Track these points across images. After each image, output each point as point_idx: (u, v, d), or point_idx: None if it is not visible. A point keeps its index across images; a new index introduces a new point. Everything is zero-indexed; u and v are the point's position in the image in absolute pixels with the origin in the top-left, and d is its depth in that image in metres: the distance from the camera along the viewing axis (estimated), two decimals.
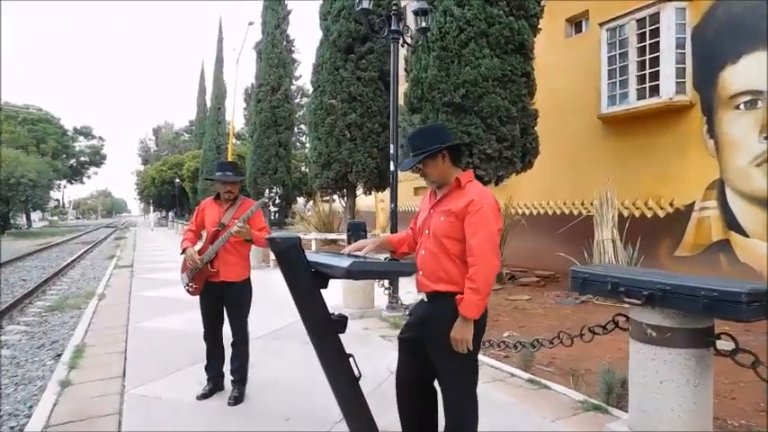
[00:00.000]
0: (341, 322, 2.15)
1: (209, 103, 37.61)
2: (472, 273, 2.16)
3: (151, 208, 51.05)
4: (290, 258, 2.03)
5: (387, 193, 15.68)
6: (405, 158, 2.55)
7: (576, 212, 9.96)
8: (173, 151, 57.91)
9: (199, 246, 3.61)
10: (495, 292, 8.38)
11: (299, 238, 2.06)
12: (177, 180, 39.18)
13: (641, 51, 8.41)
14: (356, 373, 2.15)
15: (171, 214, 47.38)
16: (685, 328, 2.54)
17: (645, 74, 8.34)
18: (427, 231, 2.38)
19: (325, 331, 2.13)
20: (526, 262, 10.27)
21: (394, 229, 6.96)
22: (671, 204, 8.32)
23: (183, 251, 3.56)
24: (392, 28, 6.82)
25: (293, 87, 25.40)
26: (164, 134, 71.74)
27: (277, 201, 4.66)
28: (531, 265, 10.21)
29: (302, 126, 42.61)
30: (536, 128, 8.15)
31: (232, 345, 3.63)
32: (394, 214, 6.90)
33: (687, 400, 2.53)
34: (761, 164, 7.11)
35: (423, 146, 2.35)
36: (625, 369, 3.82)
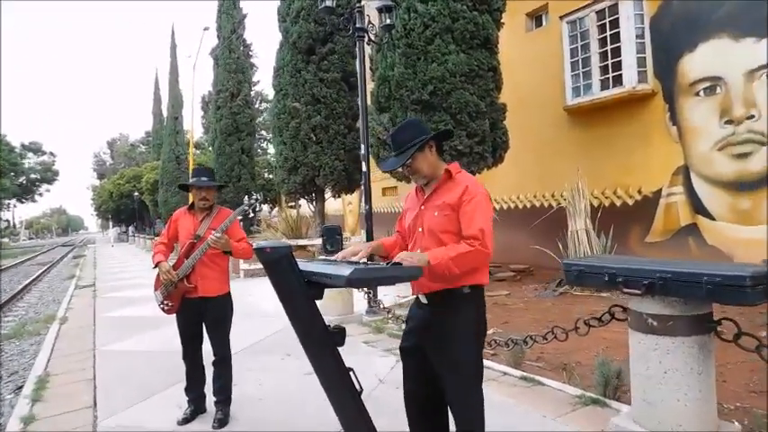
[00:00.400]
0: (339, 334, 2.00)
1: (165, 113, 36.55)
2: (464, 248, 2.04)
3: (110, 223, 49.35)
4: (282, 268, 1.86)
5: (355, 196, 15.60)
6: (385, 160, 2.40)
7: (546, 205, 10.05)
8: (129, 164, 56.07)
9: (173, 260, 3.38)
10: None
11: (291, 246, 1.90)
12: (136, 193, 37.91)
13: (602, 42, 8.53)
14: (357, 387, 2.00)
15: (131, 229, 45.85)
16: (687, 315, 2.49)
17: (607, 64, 8.46)
18: (420, 229, 2.25)
19: (323, 345, 1.98)
20: (499, 257, 10.23)
21: (370, 231, 6.82)
22: (639, 192, 8.46)
23: (156, 266, 3.32)
24: (357, 26, 6.68)
25: (252, 93, 24.87)
26: (119, 147, 69.42)
27: (258, 208, 4.40)
28: (505, 260, 10.23)
29: (263, 132, 41.94)
30: (505, 122, 8.15)
31: (213, 364, 3.40)
32: (369, 216, 6.76)
33: (692, 389, 2.48)
34: (722, 148, 7.30)
35: (408, 141, 2.23)
36: (617, 360, 3.79)
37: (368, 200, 6.78)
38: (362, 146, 6.75)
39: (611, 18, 8.34)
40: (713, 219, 7.48)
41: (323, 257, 2.22)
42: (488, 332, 5.53)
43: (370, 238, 6.84)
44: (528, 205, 10.56)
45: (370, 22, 6.90)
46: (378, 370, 4.35)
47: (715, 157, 7.40)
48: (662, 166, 8.08)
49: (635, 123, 8.40)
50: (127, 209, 41.33)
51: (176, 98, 33.15)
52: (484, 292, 2.27)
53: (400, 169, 2.28)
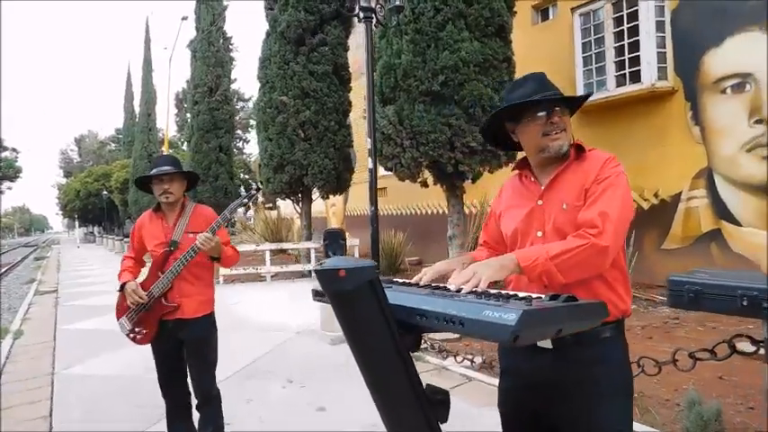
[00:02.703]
0: (443, 404, 1.26)
1: (137, 109, 35.08)
2: (572, 243, 1.38)
3: (76, 223, 47.32)
4: (364, 303, 1.13)
5: (339, 197, 14.82)
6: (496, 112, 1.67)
7: None
8: (98, 162, 54.04)
9: (143, 276, 2.63)
10: None
11: (377, 267, 1.16)
12: (105, 192, 36.30)
13: (619, 36, 7.99)
14: None
15: (99, 229, 44.03)
16: None
17: (624, 60, 7.92)
18: (540, 233, 1.54)
19: (417, 419, 1.23)
20: None
21: (375, 235, 6.08)
22: (655, 196, 7.94)
23: (122, 287, 2.59)
24: (362, 5, 5.95)
25: (232, 89, 23.82)
26: (87, 144, 67.01)
27: (258, 200, 3.60)
28: None
29: (238, 131, 40.75)
30: None
31: (198, 408, 2.64)
32: (375, 218, 6.03)
33: None
34: (752, 149, 6.81)
35: (550, 88, 1.57)
36: (713, 396, 3.16)
37: (373, 200, 6.04)
38: (368, 140, 6.02)
39: (630, 10, 7.81)
40: (739, 224, 6.98)
41: (401, 281, 1.47)
42: None
43: (375, 242, 6.10)
44: None
45: (378, 2, 6.19)
46: None
47: (743, 158, 6.90)
48: (682, 169, 7.56)
49: (652, 123, 7.87)
50: (95, 208, 39.60)
51: (150, 93, 31.82)
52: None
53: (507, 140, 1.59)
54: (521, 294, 1.17)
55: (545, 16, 9.95)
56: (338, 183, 11.69)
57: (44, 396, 4.07)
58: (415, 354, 4.96)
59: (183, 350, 2.65)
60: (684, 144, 7.52)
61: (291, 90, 11.18)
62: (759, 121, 6.71)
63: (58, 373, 4.72)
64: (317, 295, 1.54)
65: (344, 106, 11.82)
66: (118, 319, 2.68)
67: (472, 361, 4.00)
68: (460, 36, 6.68)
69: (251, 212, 24.38)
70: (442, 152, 6.76)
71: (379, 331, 1.16)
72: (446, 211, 12.44)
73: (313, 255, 11.89)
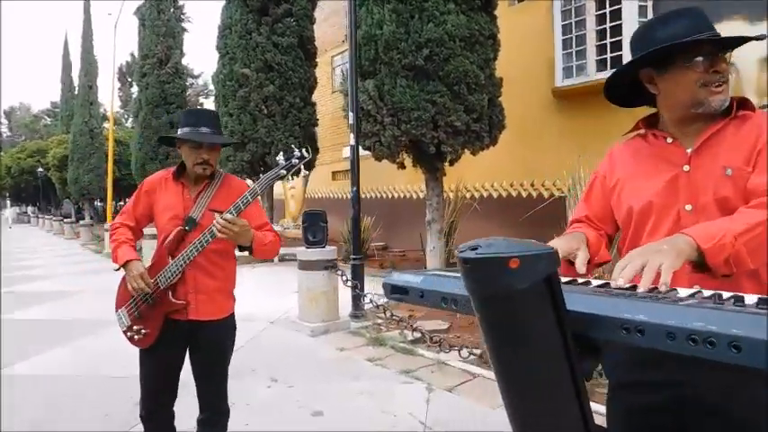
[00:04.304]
0: None
1: (76, 81, 32.63)
2: (759, 214, 1.05)
3: (8, 202, 44.09)
4: (535, 308, 0.74)
5: (298, 179, 14.20)
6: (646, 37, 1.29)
7: (531, 195, 9.32)
8: (32, 137, 50.35)
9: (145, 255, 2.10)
10: None
11: (556, 253, 0.76)
12: (40, 169, 33.82)
13: (600, 20, 7.83)
14: None
15: (33, 209, 41.20)
16: None
17: (605, 44, 7.78)
18: (689, 207, 1.19)
19: None
20: None
21: (356, 218, 5.68)
22: None
23: (124, 265, 2.02)
24: None
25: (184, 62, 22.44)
26: (19, 117, 62.38)
27: (302, 172, 2.97)
28: None
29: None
30: (501, 98, 7.24)
31: (201, 423, 2.15)
32: (356, 199, 5.61)
33: None
34: None
35: (708, 27, 1.24)
36: None
37: (355, 181, 5.62)
38: (351, 114, 5.58)
39: None
40: None
41: (567, 280, 1.06)
42: None
43: (357, 225, 5.69)
44: (514, 194, 9.79)
45: None
46: (407, 405, 3.26)
47: None
48: None
49: (631, 109, 7.78)
50: (29, 186, 36.95)
51: (91, 65, 29.60)
52: None
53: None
54: (725, 295, 0.83)
55: None
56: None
57: None
58: (407, 346, 4.62)
59: (182, 361, 2.14)
60: None
61: (254, 62, 10.49)
62: None
63: (1, 371, 4.08)
64: (395, 292, 1.13)
65: (310, 82, 11.24)
66: (116, 310, 2.11)
67: (480, 356, 3.70)
68: (446, 8, 6.31)
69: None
70: (424, 131, 6.39)
71: (550, 349, 0.78)
72: (414, 196, 12.19)
73: None
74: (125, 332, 2.08)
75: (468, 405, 3.25)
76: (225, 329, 2.12)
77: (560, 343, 0.78)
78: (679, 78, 1.22)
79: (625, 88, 1.41)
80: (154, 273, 2.00)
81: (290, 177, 2.26)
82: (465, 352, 3.70)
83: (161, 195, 2.12)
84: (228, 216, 1.85)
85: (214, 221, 1.87)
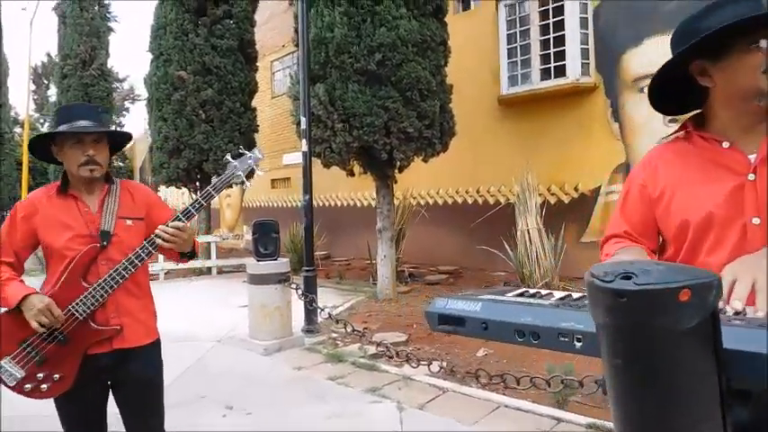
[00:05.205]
0: None
1: None
2: None
3: None
4: (695, 346, 0.56)
5: (235, 189, 13.65)
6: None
7: (470, 201, 9.37)
8: None
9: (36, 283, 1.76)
10: (404, 294, 7.30)
11: (720, 281, 0.59)
12: None
13: (544, 30, 8.02)
14: None
15: None
16: None
17: (549, 53, 7.97)
18: (757, 221, 1.07)
19: None
20: (423, 258, 9.39)
21: (309, 227, 5.40)
22: (575, 189, 8.11)
23: (21, 303, 1.62)
24: None
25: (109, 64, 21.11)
26: None
27: (257, 171, 2.65)
28: (428, 261, 9.38)
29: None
30: (451, 105, 7.21)
31: None
32: (309, 208, 5.34)
33: None
34: None
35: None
36: None
37: (308, 188, 5.35)
38: (303, 119, 5.32)
39: (555, 5, 7.86)
40: None
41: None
42: (478, 353, 4.52)
43: (310, 234, 5.41)
44: (460, 201, 9.80)
45: None
46: (379, 426, 3.04)
47: None
48: (601, 163, 7.78)
49: (574, 118, 8.02)
50: None
51: (0, 63, 27.27)
52: None
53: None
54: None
55: (466, 5, 9.80)
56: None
57: None
58: (367, 361, 4.39)
59: (108, 393, 1.82)
60: (604, 139, 7.74)
61: (191, 65, 9.92)
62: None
63: None
64: (445, 323, 0.92)
65: (251, 87, 10.79)
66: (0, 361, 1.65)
67: (452, 371, 3.53)
68: (398, 12, 6.19)
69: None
70: (377, 137, 6.22)
71: (703, 396, 0.60)
72: (359, 204, 11.99)
73: (213, 250, 10.77)
74: (19, 389, 1.65)
75: (444, 423, 3.07)
76: (155, 355, 1.85)
77: (716, 388, 0.60)
78: (738, 65, 1.09)
79: (671, 90, 1.27)
80: (63, 304, 1.64)
81: (245, 181, 2.07)
82: (435, 366, 3.54)
83: (47, 217, 1.76)
84: (179, 223, 1.66)
85: (157, 230, 1.65)
